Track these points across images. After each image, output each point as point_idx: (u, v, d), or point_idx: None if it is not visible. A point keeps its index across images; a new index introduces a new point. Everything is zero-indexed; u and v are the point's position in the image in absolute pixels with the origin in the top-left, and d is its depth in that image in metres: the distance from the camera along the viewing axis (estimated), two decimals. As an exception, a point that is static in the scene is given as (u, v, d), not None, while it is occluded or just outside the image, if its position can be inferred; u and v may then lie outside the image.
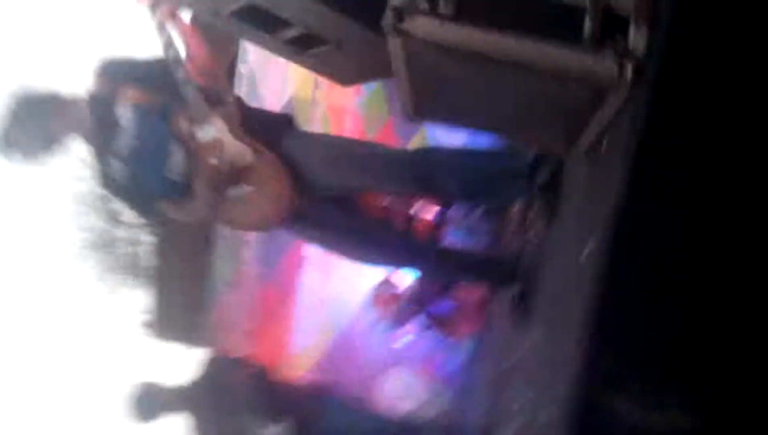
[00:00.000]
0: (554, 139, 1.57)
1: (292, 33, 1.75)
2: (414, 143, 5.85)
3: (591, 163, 1.58)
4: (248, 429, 3.21)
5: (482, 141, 2.47)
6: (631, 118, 1.31)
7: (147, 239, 10.90)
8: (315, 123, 6.19)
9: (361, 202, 2.41)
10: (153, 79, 2.05)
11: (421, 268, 2.57)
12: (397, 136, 6.01)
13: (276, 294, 6.49)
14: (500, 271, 2.42)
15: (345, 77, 2.05)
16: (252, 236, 6.35)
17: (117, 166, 2.10)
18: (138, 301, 11.35)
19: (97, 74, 2.12)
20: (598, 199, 1.44)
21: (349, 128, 6.03)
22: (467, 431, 3.42)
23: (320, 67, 2.01)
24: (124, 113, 2.06)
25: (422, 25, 1.24)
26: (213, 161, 1.94)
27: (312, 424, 3.28)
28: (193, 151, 2.00)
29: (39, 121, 2.02)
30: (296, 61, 1.93)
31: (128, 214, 11.98)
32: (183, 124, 1.99)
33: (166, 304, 8.87)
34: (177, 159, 2.05)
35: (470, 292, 4.52)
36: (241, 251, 6.47)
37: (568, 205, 1.79)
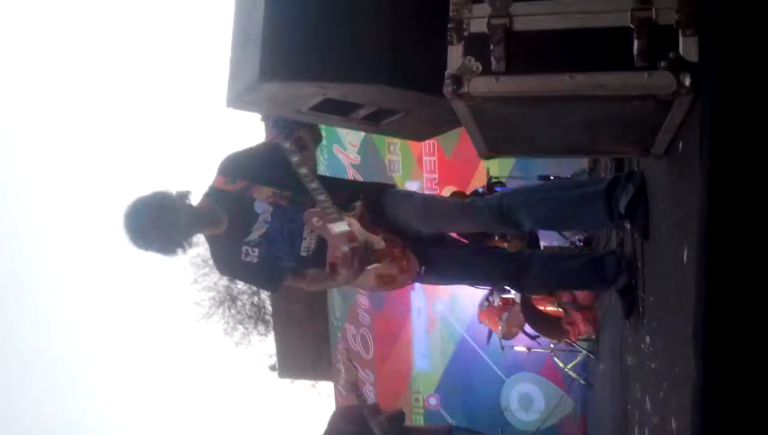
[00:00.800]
0: (629, 147, 1.60)
1: (364, 112, 1.88)
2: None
3: (670, 163, 1.59)
4: None
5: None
6: (700, 118, 1.33)
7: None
8: (394, 147, 6.41)
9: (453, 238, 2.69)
10: (278, 175, 2.30)
11: (522, 281, 2.61)
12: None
13: (390, 321, 6.68)
14: (601, 272, 2.44)
15: (420, 135, 2.17)
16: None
17: (252, 252, 2.36)
18: (264, 347, 11.91)
19: (223, 173, 2.36)
20: (684, 199, 1.45)
21: (427, 144, 6.17)
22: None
23: (396, 132, 2.14)
24: (263, 209, 2.34)
25: (479, 85, 1.33)
26: (345, 249, 2.22)
27: None
28: (326, 239, 2.26)
29: (177, 229, 2.25)
30: (373, 132, 2.07)
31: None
32: (316, 221, 2.25)
33: (290, 345, 9.27)
34: (311, 240, 2.35)
35: (579, 293, 4.50)
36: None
37: (656, 207, 1.80)
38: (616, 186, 2.01)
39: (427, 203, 2.53)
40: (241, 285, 12.62)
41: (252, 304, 12.64)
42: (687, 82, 1.24)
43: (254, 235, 2.36)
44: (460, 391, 6.37)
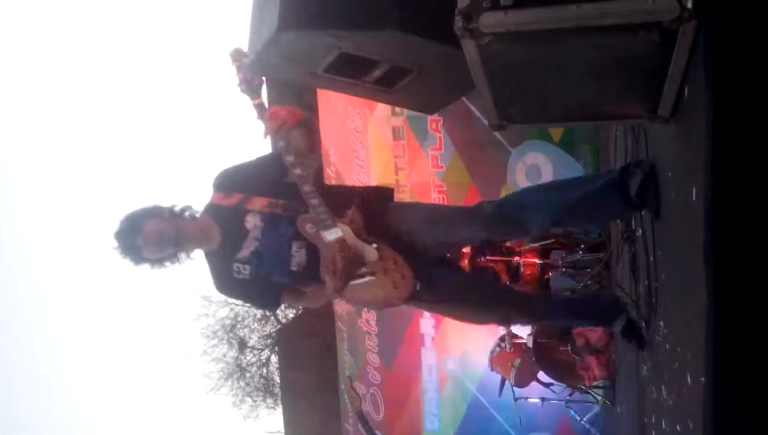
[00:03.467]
0: (636, 104, 1.64)
1: (377, 72, 1.95)
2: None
3: (678, 127, 1.62)
4: None
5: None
6: (704, 56, 1.37)
7: (274, 358, 11.28)
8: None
9: (462, 261, 2.60)
10: (275, 187, 2.29)
11: (536, 321, 2.61)
12: (483, 199, 6.17)
13: (401, 380, 6.53)
14: (612, 310, 2.44)
15: (429, 106, 2.22)
16: (373, 326, 6.50)
17: (243, 269, 2.32)
18: (272, 422, 11.61)
19: (220, 188, 2.35)
20: (692, 156, 1.45)
21: (436, 199, 6.25)
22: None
23: (405, 101, 2.20)
24: (254, 220, 2.30)
25: (489, 20, 1.39)
26: (338, 257, 2.19)
27: None
28: (319, 248, 2.23)
29: (170, 241, 2.24)
30: (385, 101, 2.13)
31: (255, 339, 12.60)
32: (309, 228, 2.23)
33: (299, 420, 9.02)
34: (300, 256, 2.29)
35: (593, 336, 4.41)
36: (363, 342, 6.60)
37: (665, 176, 1.81)
38: (627, 173, 2.03)
39: (430, 208, 2.52)
40: (250, 356, 12.48)
41: (261, 375, 12.43)
42: (689, 4, 1.29)
43: (244, 253, 2.32)
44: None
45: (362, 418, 3.49)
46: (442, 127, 5.97)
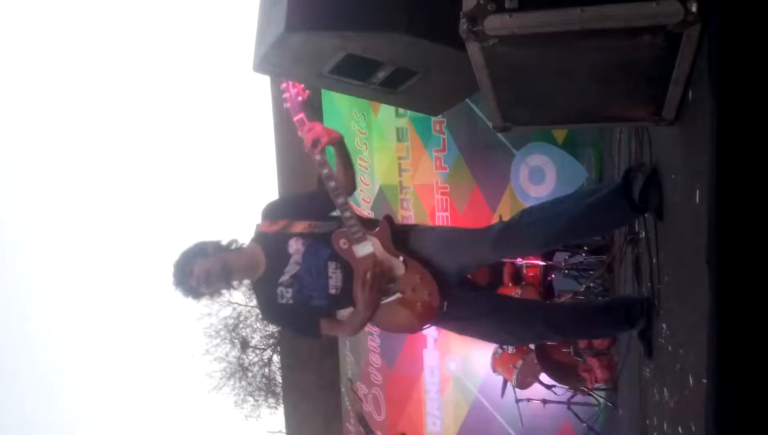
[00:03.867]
0: (640, 107, 1.64)
1: (383, 74, 1.96)
2: (503, 204, 5.99)
3: (683, 129, 1.62)
4: None
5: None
6: (708, 59, 1.37)
7: (276, 359, 11.30)
8: (407, 203, 6.48)
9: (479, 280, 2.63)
10: (315, 210, 2.42)
11: (542, 339, 2.62)
12: (486, 200, 6.18)
13: (403, 381, 6.53)
14: (617, 315, 2.45)
15: (433, 107, 2.23)
16: (374, 327, 6.50)
17: (286, 292, 2.41)
18: (273, 422, 11.63)
19: (267, 217, 2.45)
20: (696, 158, 1.45)
21: (439, 200, 6.26)
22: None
23: (410, 102, 2.20)
24: (296, 245, 2.40)
25: (493, 23, 1.40)
26: (369, 272, 2.28)
27: None
28: (353, 266, 2.34)
29: (218, 277, 2.36)
30: (389, 102, 2.13)
31: (257, 339, 12.63)
32: (343, 243, 2.34)
33: (300, 421, 9.03)
34: (337, 278, 2.38)
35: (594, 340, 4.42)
36: (365, 344, 6.60)
37: (669, 179, 1.81)
38: (629, 179, 2.05)
39: (445, 231, 2.56)
40: (252, 356, 12.51)
41: (263, 375, 12.46)
42: (694, 8, 1.29)
43: (286, 276, 2.41)
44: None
45: (362, 419, 3.49)
46: (445, 128, 5.97)
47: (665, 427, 1.93)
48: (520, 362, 4.73)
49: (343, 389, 3.88)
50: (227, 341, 12.36)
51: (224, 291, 2.44)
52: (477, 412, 6.20)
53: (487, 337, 2.86)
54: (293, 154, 7.59)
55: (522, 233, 2.26)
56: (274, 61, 1.85)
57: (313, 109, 5.86)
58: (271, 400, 12.19)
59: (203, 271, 2.34)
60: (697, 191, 1.44)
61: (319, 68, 1.97)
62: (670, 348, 1.88)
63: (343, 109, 6.15)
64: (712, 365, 1.25)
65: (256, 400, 12.54)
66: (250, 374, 12.57)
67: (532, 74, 1.56)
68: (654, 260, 2.19)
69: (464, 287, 2.47)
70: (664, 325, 2.02)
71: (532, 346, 4.66)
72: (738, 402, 1.24)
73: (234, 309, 12.47)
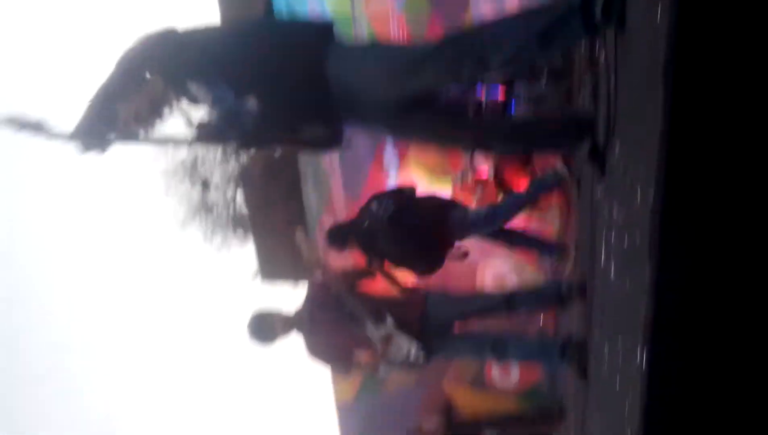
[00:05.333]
0: None
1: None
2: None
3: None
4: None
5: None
6: None
7: (239, 195, 11.38)
8: (360, 36, 6.19)
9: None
10: None
11: (496, 145, 2.59)
12: (444, 28, 5.94)
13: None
14: (574, 130, 2.45)
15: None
16: (336, 163, 6.53)
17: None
18: (243, 252, 12.00)
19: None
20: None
21: (395, 32, 6.01)
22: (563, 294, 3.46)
23: None
24: None
25: None
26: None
27: (416, 320, 3.36)
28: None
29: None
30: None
31: (217, 176, 12.63)
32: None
33: (270, 247, 9.29)
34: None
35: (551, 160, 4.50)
36: (328, 180, 6.67)
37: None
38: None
39: (380, 56, 2.32)
40: (215, 195, 12.57)
41: (228, 214, 12.58)
42: None
43: None
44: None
45: (320, 264, 3.55)
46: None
47: (612, 240, 2.04)
48: (479, 187, 4.93)
49: (306, 232, 3.92)
50: (187, 180, 12.19)
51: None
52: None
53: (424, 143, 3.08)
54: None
55: (475, 51, 2.12)
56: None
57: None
58: (240, 231, 12.34)
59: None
60: (659, 10, 1.40)
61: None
62: (621, 167, 1.94)
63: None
64: (660, 176, 1.30)
65: (225, 234, 12.73)
66: (215, 212, 12.65)
67: None
68: (612, 82, 2.18)
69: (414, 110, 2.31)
70: (617, 146, 2.07)
71: (490, 178, 4.80)
72: (684, 210, 1.30)
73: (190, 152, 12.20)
